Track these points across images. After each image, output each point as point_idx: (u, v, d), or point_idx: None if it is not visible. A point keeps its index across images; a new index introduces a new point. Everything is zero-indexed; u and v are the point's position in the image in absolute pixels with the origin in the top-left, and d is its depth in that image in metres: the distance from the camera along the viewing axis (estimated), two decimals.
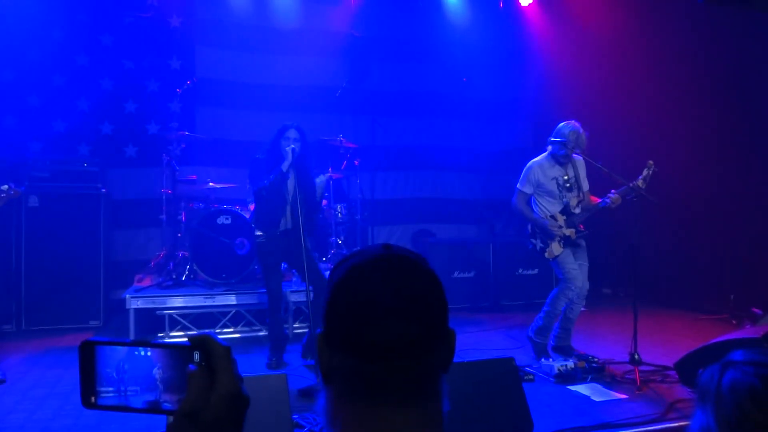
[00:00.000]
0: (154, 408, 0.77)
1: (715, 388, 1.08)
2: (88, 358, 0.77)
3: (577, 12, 7.98)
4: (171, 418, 0.77)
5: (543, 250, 4.97)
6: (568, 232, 4.91)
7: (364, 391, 0.84)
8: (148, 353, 0.77)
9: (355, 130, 7.36)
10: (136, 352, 0.77)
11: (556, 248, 4.91)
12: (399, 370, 0.83)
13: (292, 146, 4.68)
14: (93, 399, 0.78)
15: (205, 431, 0.74)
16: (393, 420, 0.83)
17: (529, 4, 8.19)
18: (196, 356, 0.77)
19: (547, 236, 4.92)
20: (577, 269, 4.89)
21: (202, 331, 0.80)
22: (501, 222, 8.09)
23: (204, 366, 0.76)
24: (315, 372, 4.55)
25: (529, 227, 5.08)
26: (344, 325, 0.85)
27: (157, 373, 0.77)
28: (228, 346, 0.78)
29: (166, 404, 0.77)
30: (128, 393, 0.77)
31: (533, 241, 5.05)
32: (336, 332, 0.86)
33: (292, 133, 4.73)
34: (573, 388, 4.27)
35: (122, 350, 0.77)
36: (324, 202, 6.16)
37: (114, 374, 0.77)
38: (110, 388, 0.77)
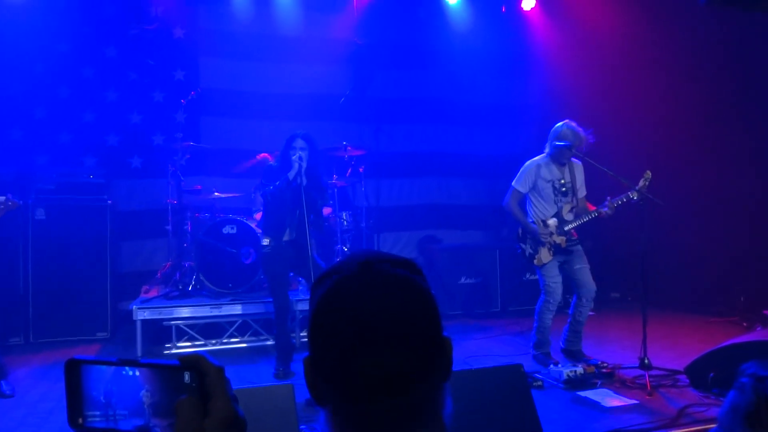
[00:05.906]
0: None
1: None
2: (74, 377, 0.74)
3: (580, 16, 7.96)
4: None
5: (532, 256, 4.86)
6: (558, 239, 4.80)
7: (355, 428, 0.78)
8: (136, 373, 0.73)
9: (360, 137, 7.35)
10: (124, 372, 0.73)
11: (545, 255, 4.80)
12: (394, 408, 0.76)
13: (299, 154, 4.66)
14: (80, 420, 0.74)
15: None
16: None
17: (532, 9, 8.18)
18: (187, 377, 0.72)
19: (537, 242, 4.82)
20: (558, 283, 4.81)
21: (195, 350, 0.78)
22: (507, 227, 8.05)
23: (195, 387, 0.72)
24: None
25: (519, 230, 4.97)
26: (329, 355, 0.78)
27: (144, 396, 0.73)
28: (221, 366, 0.74)
29: (156, 429, 0.72)
30: (117, 417, 0.73)
31: (522, 245, 4.93)
32: (321, 361, 0.80)
33: (299, 143, 4.71)
34: (582, 393, 4.23)
35: (109, 370, 0.74)
36: (328, 210, 6.14)
37: (101, 398, 0.74)
38: (97, 413, 0.74)
